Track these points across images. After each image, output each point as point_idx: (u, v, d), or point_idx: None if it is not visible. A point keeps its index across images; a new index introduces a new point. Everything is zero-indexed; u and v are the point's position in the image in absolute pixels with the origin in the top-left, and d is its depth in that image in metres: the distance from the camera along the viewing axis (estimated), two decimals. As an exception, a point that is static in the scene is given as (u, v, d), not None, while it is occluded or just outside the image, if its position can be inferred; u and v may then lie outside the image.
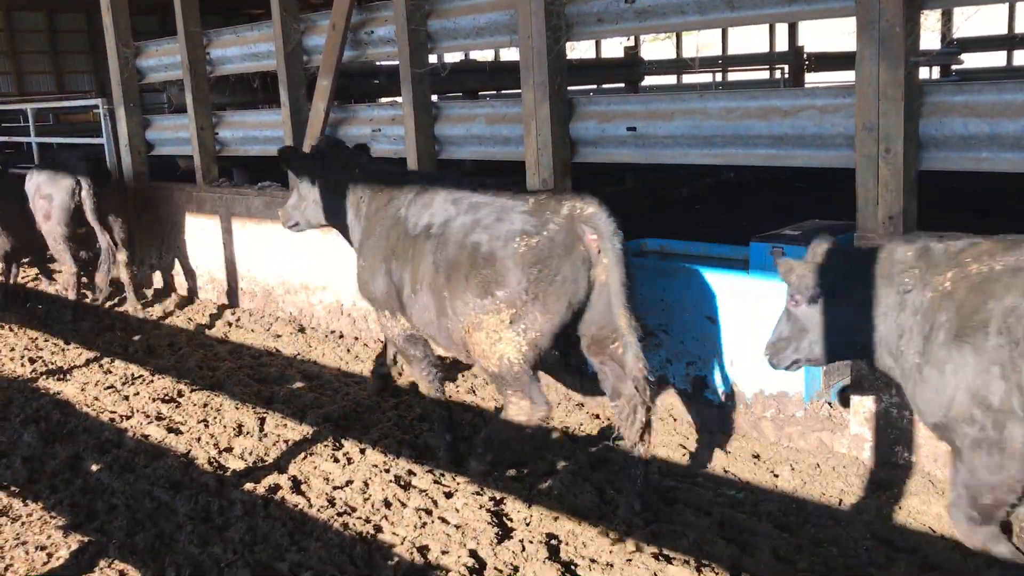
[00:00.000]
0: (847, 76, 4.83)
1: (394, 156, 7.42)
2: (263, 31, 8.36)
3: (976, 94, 4.53)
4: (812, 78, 20.03)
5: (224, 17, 23.63)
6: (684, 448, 5.21)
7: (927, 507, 4.37)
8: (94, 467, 5.21)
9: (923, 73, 20.22)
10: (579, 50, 25.26)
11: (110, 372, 6.99)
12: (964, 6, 5.03)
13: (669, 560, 3.87)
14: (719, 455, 5.11)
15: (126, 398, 6.37)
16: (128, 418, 5.98)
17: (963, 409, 3.32)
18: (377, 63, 11.14)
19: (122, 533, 4.40)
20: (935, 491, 4.48)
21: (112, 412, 6.11)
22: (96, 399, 6.38)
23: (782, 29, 23.96)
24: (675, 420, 5.57)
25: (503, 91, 15.32)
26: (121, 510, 4.65)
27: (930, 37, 20.55)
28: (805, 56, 18.61)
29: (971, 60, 20.79)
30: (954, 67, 19.91)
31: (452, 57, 18.10)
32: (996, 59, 22.38)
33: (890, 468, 4.73)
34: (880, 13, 4.53)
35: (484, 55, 22.66)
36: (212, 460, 5.25)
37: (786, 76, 20.14)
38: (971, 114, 4.52)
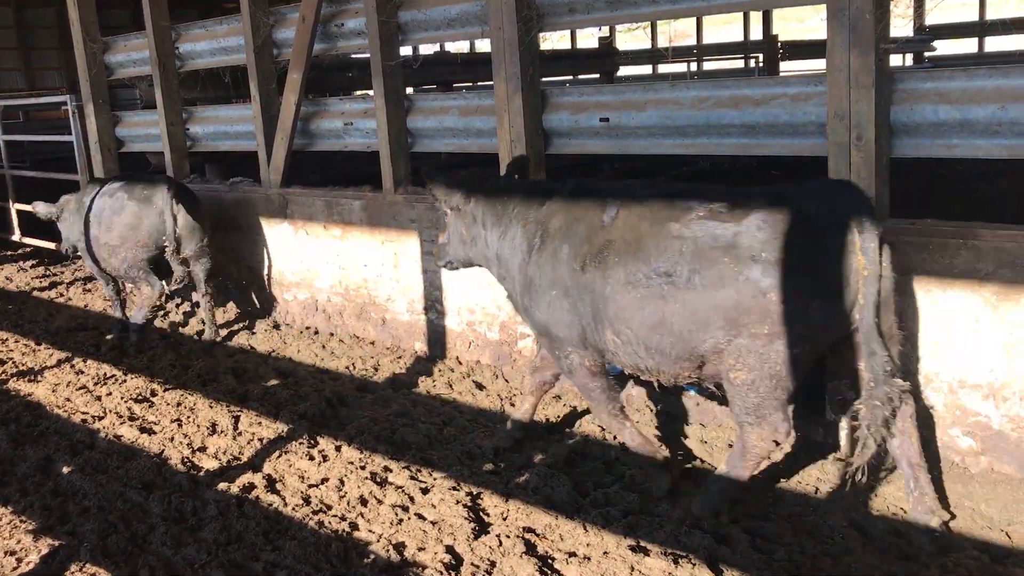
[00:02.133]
0: (822, 64, 4.82)
1: (367, 150, 7.37)
2: (232, 25, 8.27)
3: (947, 81, 4.54)
4: (787, 66, 20.09)
5: (198, 10, 23.40)
6: (659, 438, 5.20)
7: (903, 495, 4.38)
8: (65, 469, 5.14)
9: (896, 61, 20.33)
10: (554, 41, 25.21)
11: (82, 372, 6.90)
12: (935, -8, 5.02)
13: (646, 552, 3.86)
14: (696, 445, 5.10)
15: (98, 398, 6.28)
16: (100, 419, 5.90)
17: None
18: (352, 55, 11.07)
19: (94, 536, 4.33)
20: (910, 477, 4.49)
21: (84, 413, 6.03)
22: (68, 400, 6.30)
23: (756, 18, 24.01)
24: (651, 410, 5.56)
25: (479, 83, 15.25)
26: (93, 512, 4.58)
27: (904, 25, 20.65)
28: (779, 44, 18.65)
29: (943, 47, 20.91)
30: (927, 54, 20.02)
31: (426, 49, 18.00)
32: (968, 46, 22.53)
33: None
34: (850, 0, 4.53)
35: (460, 46, 22.57)
36: (186, 460, 5.18)
37: (760, 65, 20.18)
38: (942, 101, 4.52)
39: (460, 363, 6.65)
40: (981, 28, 20.97)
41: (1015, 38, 20.14)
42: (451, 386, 6.28)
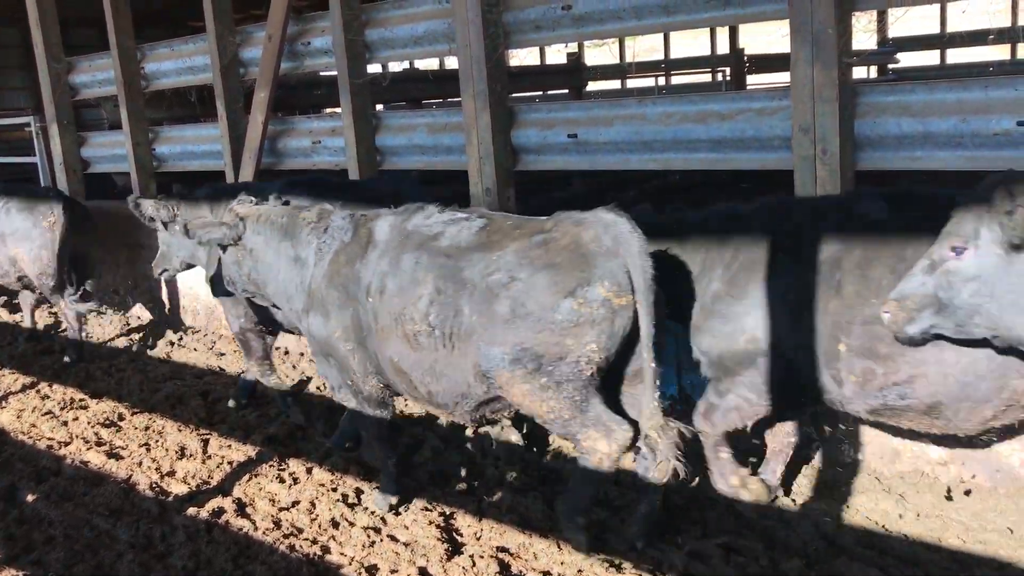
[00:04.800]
0: (788, 77, 4.86)
1: (335, 168, 7.34)
2: (198, 44, 8.23)
3: (908, 94, 4.60)
4: (754, 79, 20.27)
5: (166, 29, 23.17)
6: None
7: (875, 505, 4.40)
8: (30, 497, 5.04)
9: (862, 73, 20.58)
10: (522, 57, 25.26)
11: (48, 397, 6.79)
12: (896, 7, 5.09)
13: (620, 569, 3.84)
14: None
15: (64, 424, 6.18)
16: (67, 444, 5.80)
17: None
18: (320, 73, 11.05)
19: (60, 565, 4.26)
20: (882, 488, 4.52)
21: (50, 439, 5.93)
22: (33, 426, 6.19)
23: (723, 32, 24.21)
24: (625, 426, 5.54)
25: (449, 99, 15.26)
26: (59, 541, 4.50)
27: (868, 38, 20.92)
28: (746, 58, 18.83)
29: (906, 59, 21.20)
30: (891, 66, 20.29)
31: (395, 66, 17.99)
32: (931, 58, 22.85)
33: (838, 467, 4.76)
34: (812, 15, 4.58)
35: (430, 63, 22.56)
36: (154, 485, 5.10)
37: (728, 78, 20.36)
38: (904, 114, 4.58)
39: (432, 381, 6.61)
40: (942, 41, 21.30)
41: (975, 50, 20.49)
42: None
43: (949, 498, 4.36)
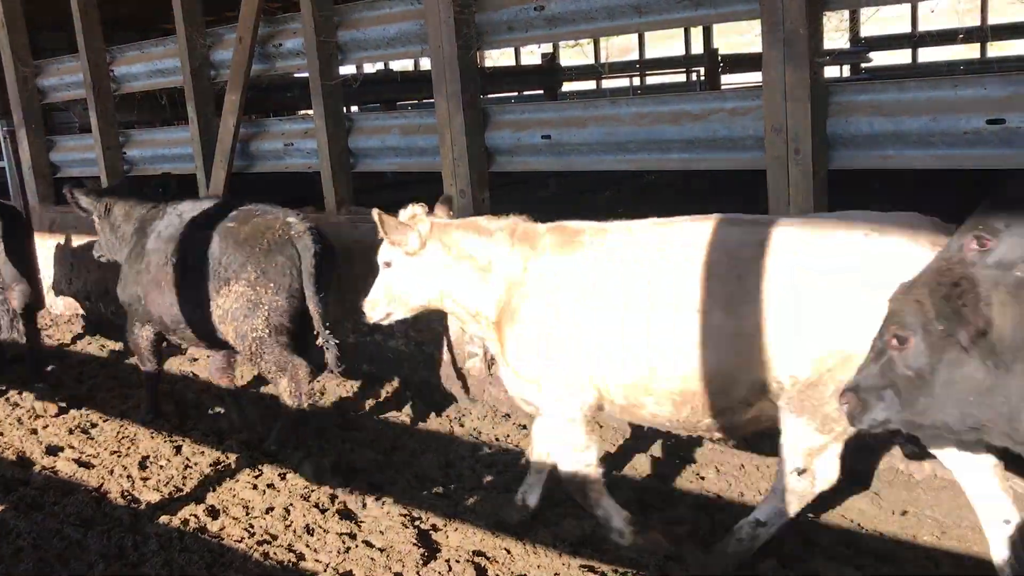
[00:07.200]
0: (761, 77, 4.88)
1: (308, 170, 7.28)
2: (168, 47, 8.15)
3: (880, 93, 4.62)
4: (728, 79, 20.38)
5: (139, 33, 22.93)
6: (611, 455, 5.18)
7: (850, 503, 4.42)
8: (-2, 508, 4.96)
9: (835, 73, 20.75)
10: (495, 58, 25.28)
11: (18, 405, 6.68)
12: (867, 7, 5.12)
13: (597, 572, 3.83)
14: (644, 460, 5.09)
15: (34, 431, 6.08)
16: (36, 453, 5.71)
17: None
18: (295, 75, 10.99)
19: (29, 577, 4.19)
20: (857, 486, 4.53)
21: (19, 447, 5.83)
22: (0, 434, 6.09)
23: (697, 32, 24.33)
24: (602, 427, 5.54)
25: (425, 99, 15.26)
26: (28, 552, 4.41)
27: (840, 37, 21.10)
28: (720, 58, 18.93)
29: (878, 58, 21.42)
30: (863, 65, 20.49)
31: (368, 68, 17.94)
32: (903, 57, 23.09)
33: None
34: (784, 15, 4.58)
35: (405, 64, 22.50)
36: (126, 493, 5.03)
37: (702, 78, 20.46)
38: (876, 113, 4.59)
39: (409, 384, 6.58)
40: (910, 40, 21.54)
41: (946, 49, 20.76)
42: (400, 408, 6.20)
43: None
